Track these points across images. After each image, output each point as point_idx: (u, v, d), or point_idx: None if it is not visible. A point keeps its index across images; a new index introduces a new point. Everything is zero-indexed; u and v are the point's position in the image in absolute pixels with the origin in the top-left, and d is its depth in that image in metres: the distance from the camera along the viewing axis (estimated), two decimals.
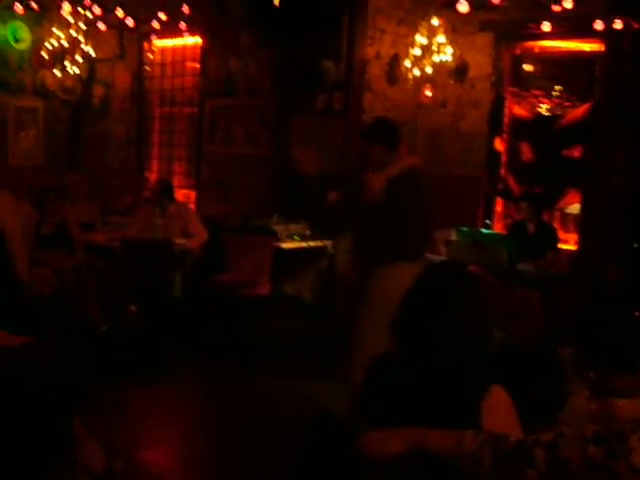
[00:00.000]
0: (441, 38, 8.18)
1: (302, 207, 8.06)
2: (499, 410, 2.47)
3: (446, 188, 8.12)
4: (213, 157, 9.79)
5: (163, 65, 10.56)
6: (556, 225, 8.16)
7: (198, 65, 10.00)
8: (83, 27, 9.55)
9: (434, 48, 8.22)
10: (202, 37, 9.69)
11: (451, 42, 8.23)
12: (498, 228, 8.69)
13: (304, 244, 8.11)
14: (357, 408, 2.72)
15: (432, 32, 8.19)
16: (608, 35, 6.95)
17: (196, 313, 7.76)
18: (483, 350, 2.59)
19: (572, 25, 6.98)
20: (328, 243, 8.32)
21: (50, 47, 9.91)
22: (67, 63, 10.05)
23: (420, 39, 8.21)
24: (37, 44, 10.25)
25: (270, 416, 5.78)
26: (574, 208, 8.28)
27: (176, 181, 10.23)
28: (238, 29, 9.04)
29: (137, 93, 10.70)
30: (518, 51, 8.49)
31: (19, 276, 3.78)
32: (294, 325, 7.80)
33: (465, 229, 7.32)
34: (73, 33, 9.65)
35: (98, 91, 10.89)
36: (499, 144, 8.63)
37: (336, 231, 7.50)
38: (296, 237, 8.23)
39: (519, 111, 8.53)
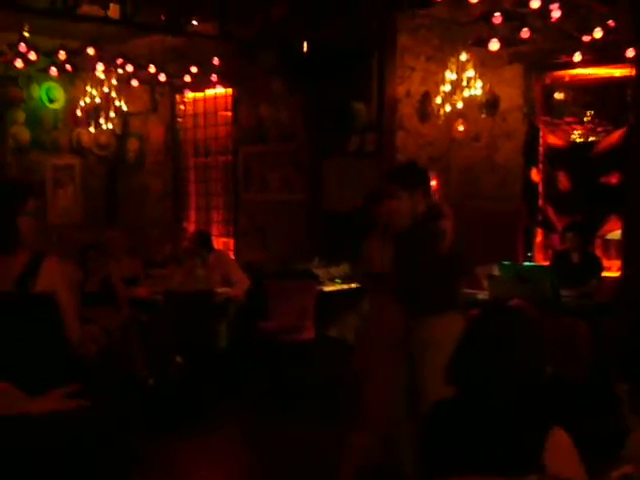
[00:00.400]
0: (470, 73, 8.22)
1: (344, 248, 8.03)
2: (562, 453, 2.44)
3: (484, 222, 8.11)
4: (249, 204, 9.86)
5: (195, 116, 10.70)
6: (598, 252, 8.08)
7: (230, 114, 10.11)
8: (115, 83, 9.74)
9: (464, 83, 8.27)
10: (233, 86, 9.81)
11: (480, 76, 8.26)
12: (539, 259, 8.64)
13: (345, 286, 8.08)
14: (418, 456, 2.69)
15: (461, 67, 8.24)
16: (638, 61, 6.92)
17: (241, 362, 7.75)
18: (542, 391, 2.57)
19: (603, 53, 6.97)
20: None
21: (83, 105, 10.10)
22: (101, 120, 10.23)
23: (449, 75, 8.25)
24: (71, 103, 10.48)
25: (318, 464, 5.72)
26: (615, 234, 8.21)
27: (214, 230, 10.32)
28: (268, 77, 9.14)
29: (171, 145, 10.84)
30: (548, 81, 8.51)
31: (70, 338, 3.81)
32: (339, 369, 7.75)
33: (507, 263, 7.26)
34: (106, 90, 9.84)
35: (132, 145, 11.07)
36: (535, 175, 8.61)
37: None
38: (337, 280, 8.22)
39: (553, 140, 8.51)
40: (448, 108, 8.31)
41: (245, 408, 7.12)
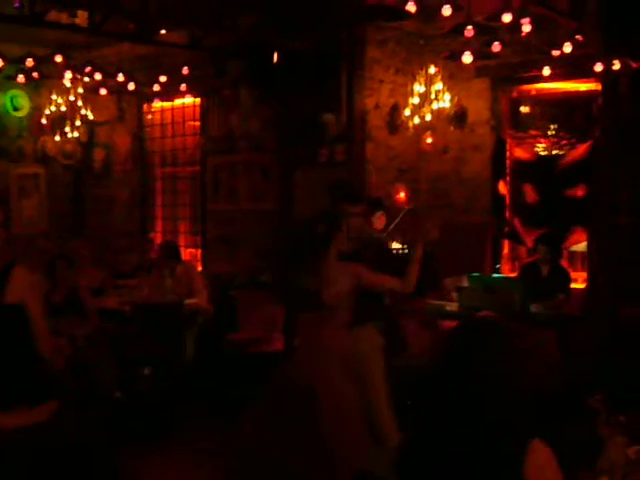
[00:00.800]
0: (439, 85, 8.28)
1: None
2: (543, 466, 2.45)
3: (453, 234, 8.15)
4: (218, 214, 9.82)
5: (163, 125, 10.63)
6: (564, 264, 8.16)
7: (198, 124, 10.06)
8: (81, 92, 9.67)
9: (432, 96, 8.32)
10: (202, 96, 9.77)
11: (449, 89, 8.33)
12: (506, 271, 8.69)
13: None
14: (397, 474, 2.69)
15: (429, 80, 8.30)
16: (605, 76, 7.02)
17: (210, 373, 7.70)
18: (521, 403, 2.57)
19: (571, 68, 7.06)
20: None
21: (49, 113, 10.00)
22: (67, 128, 10.14)
23: (418, 88, 8.30)
24: (36, 111, 10.38)
25: None
26: (580, 246, 8.30)
27: (181, 240, 10.25)
28: (237, 87, 9.12)
29: (138, 155, 10.75)
30: (515, 94, 8.58)
31: (40, 350, 3.74)
32: None
33: (476, 275, 7.31)
34: (72, 98, 9.75)
35: (99, 154, 10.98)
36: (503, 187, 8.67)
37: None
38: None
39: (520, 153, 8.59)
40: (417, 120, 8.36)
41: (213, 420, 7.08)
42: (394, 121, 8.65)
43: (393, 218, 7.80)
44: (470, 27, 5.14)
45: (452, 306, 7.25)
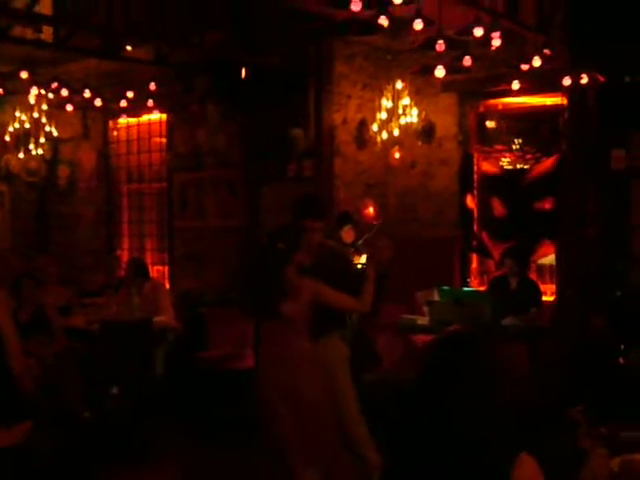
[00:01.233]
0: (406, 100, 8.32)
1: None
2: (530, 478, 2.43)
3: (422, 248, 8.18)
4: (185, 231, 9.73)
5: (129, 142, 10.53)
6: (532, 277, 8.20)
7: (164, 140, 10.00)
8: (45, 108, 9.56)
9: (400, 111, 8.36)
10: (168, 112, 9.71)
11: (416, 104, 8.38)
12: (475, 284, 8.72)
13: None
14: None
15: (397, 95, 8.34)
16: (572, 90, 7.10)
17: (180, 391, 7.61)
18: (505, 417, 2.56)
19: (538, 82, 7.12)
20: None
21: (12, 130, 9.88)
22: (31, 145, 10.02)
23: (385, 103, 8.34)
24: None
25: None
26: (547, 259, 8.36)
27: (148, 257, 10.15)
28: (204, 103, 9.08)
29: (103, 171, 10.64)
30: (482, 109, 8.64)
31: (14, 369, 3.69)
32: None
33: (446, 288, 7.31)
34: (35, 115, 9.64)
35: (63, 172, 10.85)
36: (470, 201, 8.72)
37: None
38: None
39: (487, 167, 8.65)
40: (385, 135, 8.39)
41: (184, 438, 7.01)
42: (362, 136, 8.67)
43: (362, 233, 7.79)
44: (441, 41, 5.16)
45: (423, 320, 7.24)
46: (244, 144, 9.01)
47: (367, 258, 5.04)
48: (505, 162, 8.52)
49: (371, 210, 8.52)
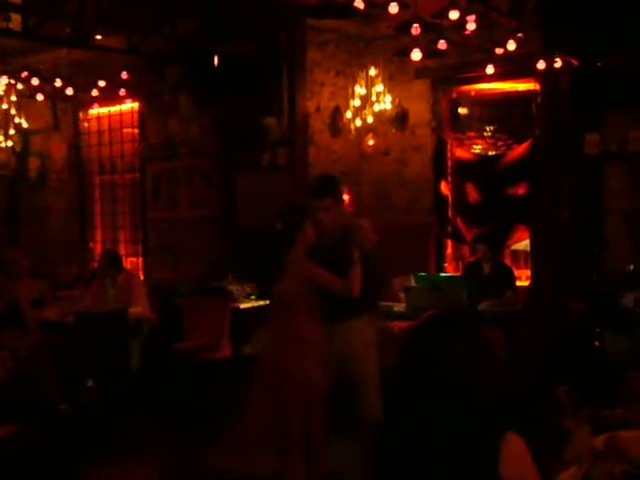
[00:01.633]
0: (379, 87, 8.30)
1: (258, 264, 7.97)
2: (518, 457, 2.42)
3: (397, 235, 8.16)
4: (159, 222, 9.66)
5: (100, 133, 10.43)
6: (507, 262, 8.23)
7: (136, 130, 9.90)
8: (14, 99, 9.42)
9: (373, 98, 8.34)
10: (141, 101, 9.62)
11: (389, 91, 8.35)
12: (450, 270, 8.74)
13: (262, 302, 7.99)
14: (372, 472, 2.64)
15: (370, 82, 8.32)
16: (545, 74, 7.11)
17: (156, 383, 7.55)
18: (495, 397, 2.54)
19: (513, 67, 7.13)
20: None
21: None
22: (0, 137, 9.88)
23: (359, 90, 8.31)
24: None
25: None
26: (523, 245, 8.39)
27: (122, 249, 10.06)
28: (177, 92, 9.00)
29: (75, 163, 10.53)
30: (455, 95, 8.64)
31: None
32: None
33: (423, 274, 7.33)
34: (4, 106, 9.50)
35: (34, 163, 10.73)
36: (445, 187, 8.72)
37: None
38: (252, 296, 8.12)
39: (461, 153, 8.65)
40: (359, 122, 8.37)
41: (161, 430, 6.96)
42: (336, 124, 8.65)
43: None
44: (417, 25, 5.14)
45: (400, 306, 7.25)
46: (217, 133, 8.95)
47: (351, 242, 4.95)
48: (477, 149, 8.53)
49: (346, 198, 8.49)
